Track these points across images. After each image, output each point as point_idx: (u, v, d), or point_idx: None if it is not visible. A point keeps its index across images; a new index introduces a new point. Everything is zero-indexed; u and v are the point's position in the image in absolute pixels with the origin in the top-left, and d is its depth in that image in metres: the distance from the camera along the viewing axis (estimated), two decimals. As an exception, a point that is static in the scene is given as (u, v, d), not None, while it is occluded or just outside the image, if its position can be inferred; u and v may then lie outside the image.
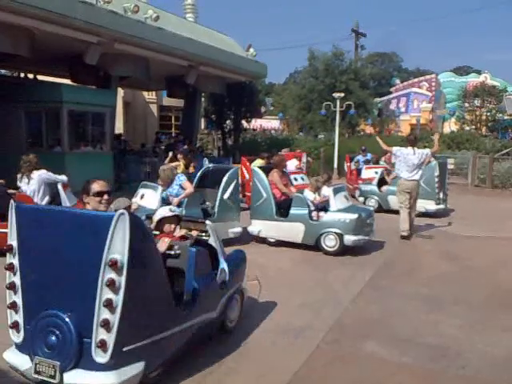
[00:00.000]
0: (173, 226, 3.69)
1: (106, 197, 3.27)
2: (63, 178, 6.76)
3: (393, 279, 5.80)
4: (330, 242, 6.85)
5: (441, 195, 10.12)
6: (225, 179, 7.13)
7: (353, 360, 3.67)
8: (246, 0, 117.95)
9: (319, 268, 6.21)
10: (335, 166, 18.47)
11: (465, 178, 16.81)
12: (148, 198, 6.63)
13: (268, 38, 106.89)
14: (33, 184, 6.50)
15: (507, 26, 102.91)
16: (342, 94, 18.59)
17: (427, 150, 8.20)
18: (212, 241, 3.86)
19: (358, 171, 13.95)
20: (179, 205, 6.30)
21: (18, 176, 6.64)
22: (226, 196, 7.03)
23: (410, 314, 4.60)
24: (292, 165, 11.68)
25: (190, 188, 6.53)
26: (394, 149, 8.09)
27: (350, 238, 6.72)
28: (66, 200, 6.56)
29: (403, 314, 4.60)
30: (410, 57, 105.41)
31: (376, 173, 11.62)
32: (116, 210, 3.82)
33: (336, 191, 7.17)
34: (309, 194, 7.17)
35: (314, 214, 6.98)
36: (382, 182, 10.96)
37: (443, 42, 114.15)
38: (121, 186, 12.62)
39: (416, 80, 37.04)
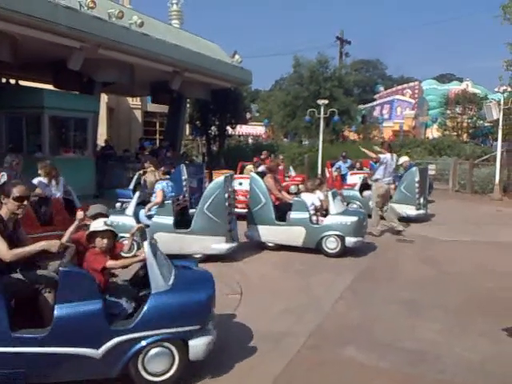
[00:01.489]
0: (105, 240, 3.46)
1: (25, 202, 3.30)
2: None
3: (373, 284, 5.86)
4: (331, 245, 7.04)
5: (421, 200, 10.27)
6: (206, 190, 6.79)
7: (333, 365, 3.70)
8: (232, 7, 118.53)
9: (301, 273, 6.25)
10: (319, 171, 18.59)
11: (446, 184, 17.08)
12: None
13: (254, 45, 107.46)
14: (60, 188, 6.90)
15: (489, 34, 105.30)
16: (327, 101, 18.73)
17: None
18: (149, 259, 3.32)
19: (342, 177, 14.09)
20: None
21: (44, 180, 6.74)
22: (205, 208, 6.51)
23: (389, 319, 4.66)
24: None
25: (158, 198, 6.65)
26: (382, 156, 8.76)
27: (351, 240, 7.00)
28: None
29: (383, 319, 4.66)
30: (394, 64, 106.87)
31: (360, 178, 11.76)
32: (92, 216, 3.86)
33: (334, 195, 7.44)
34: (307, 198, 7.31)
35: (315, 218, 7.19)
36: (363, 188, 11.09)
37: (427, 49, 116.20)
38: (102, 192, 12.53)
39: (400, 87, 37.57)
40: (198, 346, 3.27)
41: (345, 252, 7.06)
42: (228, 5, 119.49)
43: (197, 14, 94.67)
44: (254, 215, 7.42)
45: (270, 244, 7.41)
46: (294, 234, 7.16)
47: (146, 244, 3.37)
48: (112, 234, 3.55)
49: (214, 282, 3.70)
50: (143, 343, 3.13)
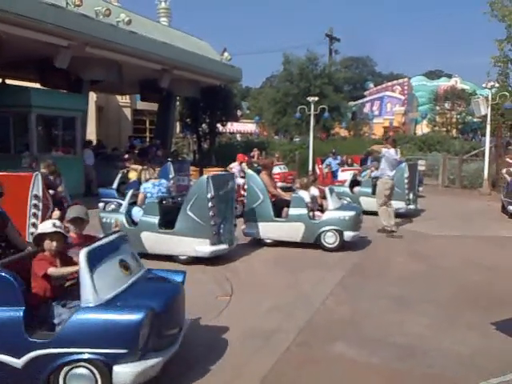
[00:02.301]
0: (54, 243, 3.30)
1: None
2: None
3: (363, 279, 5.88)
4: (329, 239, 7.18)
5: (411, 196, 10.33)
6: (189, 190, 6.57)
7: (322, 362, 3.70)
8: (222, 5, 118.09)
9: (291, 270, 6.23)
10: (310, 168, 18.63)
11: (436, 179, 17.21)
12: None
13: (244, 43, 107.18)
14: (64, 187, 6.98)
15: (478, 31, 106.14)
16: (317, 98, 18.77)
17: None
18: (81, 270, 3.06)
19: (333, 173, 14.14)
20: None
21: (51, 177, 6.75)
22: (188, 208, 6.28)
23: (379, 314, 4.67)
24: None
25: (139, 201, 6.82)
26: (384, 150, 8.73)
27: (349, 234, 7.17)
28: None
29: (373, 314, 4.67)
30: (384, 61, 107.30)
31: (350, 175, 11.81)
32: (71, 220, 3.76)
33: (331, 191, 7.57)
34: (304, 194, 7.40)
35: (317, 214, 7.31)
36: (353, 184, 11.13)
37: (416, 46, 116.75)
38: (91, 191, 12.47)
39: (389, 84, 37.75)
40: (123, 373, 2.87)
41: (337, 248, 7.14)
42: (217, 2, 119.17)
43: (186, 12, 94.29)
44: (252, 212, 7.44)
45: (268, 240, 7.45)
46: (293, 230, 7.26)
47: (82, 253, 3.07)
48: (62, 236, 3.39)
49: (175, 301, 3.41)
50: (63, 360, 2.87)
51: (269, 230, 7.37)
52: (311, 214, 7.33)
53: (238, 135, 32.97)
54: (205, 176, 6.45)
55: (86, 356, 2.87)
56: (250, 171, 7.93)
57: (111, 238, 3.52)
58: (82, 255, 3.05)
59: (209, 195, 6.17)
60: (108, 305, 3.02)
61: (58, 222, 3.47)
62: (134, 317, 2.93)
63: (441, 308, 4.85)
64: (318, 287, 5.51)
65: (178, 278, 3.78)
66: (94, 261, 3.10)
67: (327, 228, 7.18)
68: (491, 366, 3.57)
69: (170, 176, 8.83)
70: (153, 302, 3.14)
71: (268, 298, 5.04)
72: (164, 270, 4.01)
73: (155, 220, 6.41)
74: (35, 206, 5.95)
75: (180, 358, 3.61)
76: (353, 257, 6.96)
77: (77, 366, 2.90)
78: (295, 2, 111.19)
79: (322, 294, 5.25)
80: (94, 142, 16.80)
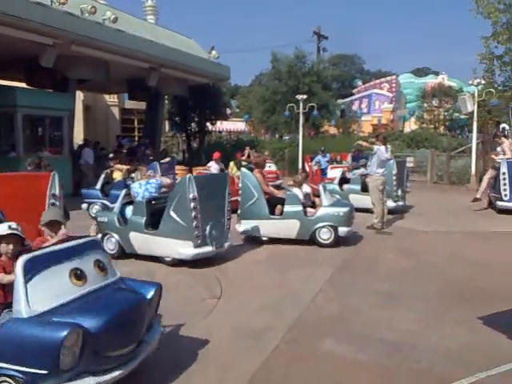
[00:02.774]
0: (10, 246, 3.18)
1: None
2: None
3: (352, 276, 5.89)
4: (324, 235, 7.28)
5: (399, 192, 10.39)
6: (173, 190, 6.36)
7: (311, 359, 3.69)
8: (209, 3, 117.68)
9: (280, 267, 6.23)
10: (299, 166, 18.66)
11: (424, 176, 17.34)
12: None
13: (233, 41, 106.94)
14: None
15: (464, 28, 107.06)
16: (305, 96, 18.81)
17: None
18: (16, 279, 2.89)
19: (322, 171, 14.18)
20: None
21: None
22: (171, 209, 6.11)
23: (367, 311, 4.68)
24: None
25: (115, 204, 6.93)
26: (375, 147, 8.74)
27: (343, 230, 7.30)
28: None
29: (361, 311, 4.68)
30: (372, 58, 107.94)
31: (340, 172, 11.85)
32: (46, 223, 3.61)
33: (324, 188, 7.68)
34: (298, 192, 7.52)
35: (309, 210, 7.39)
36: (343, 181, 11.16)
37: (404, 43, 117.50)
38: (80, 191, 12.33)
39: (377, 81, 37.95)
40: None
41: (332, 243, 7.26)
42: (205, 0, 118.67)
43: (173, 10, 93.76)
44: (247, 210, 7.45)
45: (263, 238, 7.49)
46: (288, 227, 7.33)
47: (19, 261, 2.86)
48: (19, 239, 3.25)
49: (130, 316, 3.09)
50: None
51: (264, 227, 7.41)
52: (309, 210, 7.42)
53: (223, 133, 32.89)
54: (187, 176, 6.25)
55: (9, 372, 2.63)
56: (244, 169, 7.98)
57: (64, 245, 3.21)
58: (18, 263, 2.84)
59: (191, 196, 5.94)
60: (39, 318, 2.75)
61: (14, 224, 3.29)
62: (55, 335, 2.60)
63: (429, 303, 4.87)
64: (307, 285, 5.51)
65: (147, 291, 3.38)
66: (33, 269, 2.85)
67: (322, 224, 7.26)
68: (479, 361, 3.59)
69: (157, 175, 8.78)
70: (93, 317, 2.82)
71: (257, 297, 5.02)
72: (138, 280, 3.63)
73: (142, 220, 6.35)
74: (53, 204, 5.92)
75: (168, 354, 3.60)
76: (342, 253, 6.97)
77: (1, 381, 2.69)
78: (283, 0, 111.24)
79: (311, 291, 5.25)
80: (81, 142, 16.63)
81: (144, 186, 6.76)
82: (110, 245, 6.59)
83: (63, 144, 12.99)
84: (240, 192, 7.63)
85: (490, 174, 11.07)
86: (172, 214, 6.10)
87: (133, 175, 9.44)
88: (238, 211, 7.63)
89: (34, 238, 5.81)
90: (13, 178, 5.76)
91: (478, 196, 11.00)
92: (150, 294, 3.38)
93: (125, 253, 6.53)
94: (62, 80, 13.36)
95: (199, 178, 6.32)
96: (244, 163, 11.78)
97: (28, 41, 11.01)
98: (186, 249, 6.05)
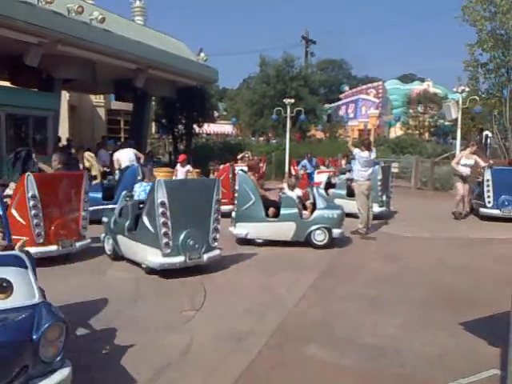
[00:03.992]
0: None
1: None
2: None
3: (336, 281, 5.90)
4: (319, 237, 7.46)
5: (384, 198, 10.47)
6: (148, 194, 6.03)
7: (294, 364, 3.68)
8: (198, 5, 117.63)
9: (265, 272, 6.21)
10: (286, 170, 18.70)
11: (408, 181, 17.52)
12: None
13: (221, 44, 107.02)
14: None
15: (450, 36, 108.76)
16: (293, 100, 18.87)
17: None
18: None
19: (309, 175, 14.22)
20: None
21: None
22: (143, 214, 5.85)
23: (351, 316, 4.69)
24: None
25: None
26: (356, 151, 8.81)
27: (337, 232, 7.55)
28: None
29: (345, 316, 4.68)
30: (359, 64, 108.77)
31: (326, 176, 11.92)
32: None
33: (318, 191, 7.93)
34: (292, 194, 7.68)
35: (304, 212, 7.53)
36: (328, 186, 11.21)
37: (390, 50, 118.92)
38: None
39: (364, 87, 38.30)
40: None
41: (327, 245, 7.46)
42: (194, 2, 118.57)
43: (161, 11, 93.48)
44: (243, 213, 7.47)
45: (258, 240, 7.53)
46: (284, 230, 7.43)
47: None
48: None
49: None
50: None
51: (261, 230, 7.46)
52: (304, 213, 7.55)
53: (204, 135, 32.53)
54: (157, 180, 5.85)
55: None
56: (241, 172, 8.00)
57: None
58: None
59: (159, 201, 5.51)
60: None
61: None
62: None
63: (412, 309, 4.91)
64: (290, 289, 5.50)
65: (36, 329, 2.64)
66: None
67: (317, 226, 7.42)
68: (460, 367, 3.62)
69: (139, 178, 8.70)
70: None
71: (241, 302, 5.00)
72: (50, 310, 2.82)
73: (126, 223, 6.25)
74: (86, 201, 6.68)
75: (150, 358, 3.56)
76: (326, 259, 6.98)
77: None
78: (271, 4, 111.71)
79: (294, 296, 5.24)
80: (65, 142, 16.33)
81: (143, 187, 6.75)
82: (108, 246, 6.62)
83: (48, 144, 12.79)
84: (236, 195, 7.63)
85: (460, 188, 10.57)
86: (144, 219, 5.82)
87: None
88: (233, 214, 7.64)
89: (74, 233, 6.65)
90: (58, 178, 6.70)
91: (454, 210, 10.67)
92: (35, 334, 2.62)
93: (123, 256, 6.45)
94: (48, 79, 13.16)
95: (174, 183, 6.03)
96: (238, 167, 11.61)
97: (12, 39, 10.83)
98: (154, 257, 5.66)
